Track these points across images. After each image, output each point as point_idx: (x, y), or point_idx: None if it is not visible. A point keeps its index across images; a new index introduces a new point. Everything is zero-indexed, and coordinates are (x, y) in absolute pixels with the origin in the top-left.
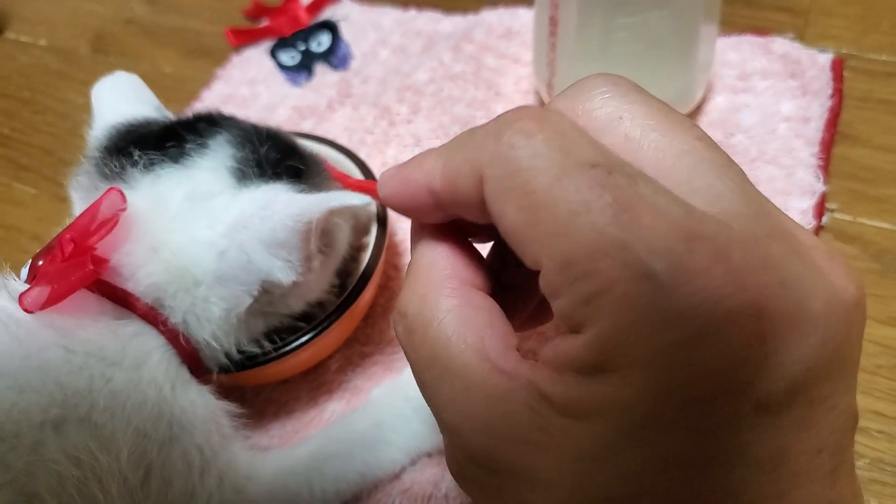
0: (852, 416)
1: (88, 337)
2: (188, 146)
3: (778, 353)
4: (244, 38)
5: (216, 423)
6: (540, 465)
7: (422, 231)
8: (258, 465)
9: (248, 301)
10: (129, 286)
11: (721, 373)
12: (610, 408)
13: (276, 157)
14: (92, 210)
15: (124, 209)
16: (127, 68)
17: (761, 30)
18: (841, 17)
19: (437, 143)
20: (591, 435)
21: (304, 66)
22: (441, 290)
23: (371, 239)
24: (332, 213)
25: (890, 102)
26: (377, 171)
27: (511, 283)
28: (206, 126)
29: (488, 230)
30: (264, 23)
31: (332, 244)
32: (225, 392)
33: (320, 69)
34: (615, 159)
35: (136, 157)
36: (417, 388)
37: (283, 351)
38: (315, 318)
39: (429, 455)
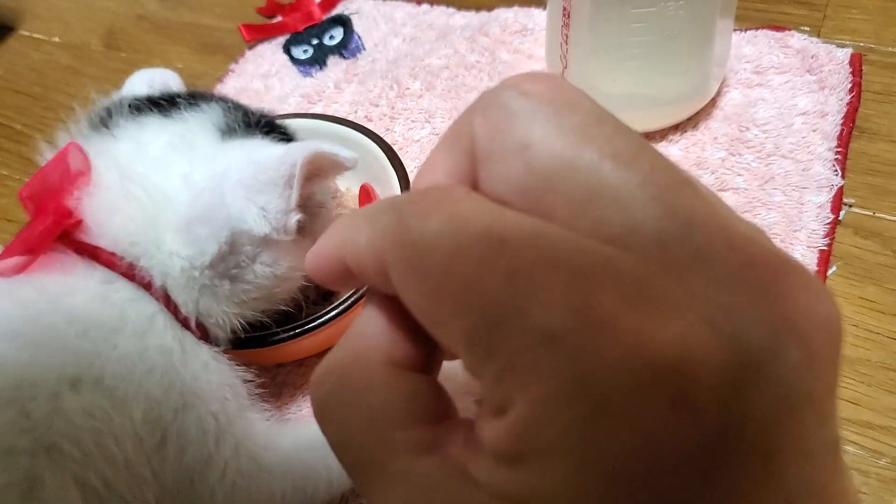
0: None
1: (82, 304)
2: (179, 103)
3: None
4: (258, 33)
5: (232, 390)
6: None
7: (371, 296)
8: (276, 436)
9: (213, 249)
10: (103, 243)
11: (645, 443)
12: (534, 500)
13: (265, 122)
14: (48, 166)
15: (88, 163)
16: (139, 65)
17: (778, 24)
18: (861, 9)
19: (450, 124)
20: None
21: (317, 60)
22: (368, 363)
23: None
24: (318, 157)
25: None
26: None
27: None
28: (200, 95)
29: None
30: (278, 19)
31: (313, 225)
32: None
33: (332, 61)
34: (510, 220)
35: (125, 107)
36: None
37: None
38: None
39: None
